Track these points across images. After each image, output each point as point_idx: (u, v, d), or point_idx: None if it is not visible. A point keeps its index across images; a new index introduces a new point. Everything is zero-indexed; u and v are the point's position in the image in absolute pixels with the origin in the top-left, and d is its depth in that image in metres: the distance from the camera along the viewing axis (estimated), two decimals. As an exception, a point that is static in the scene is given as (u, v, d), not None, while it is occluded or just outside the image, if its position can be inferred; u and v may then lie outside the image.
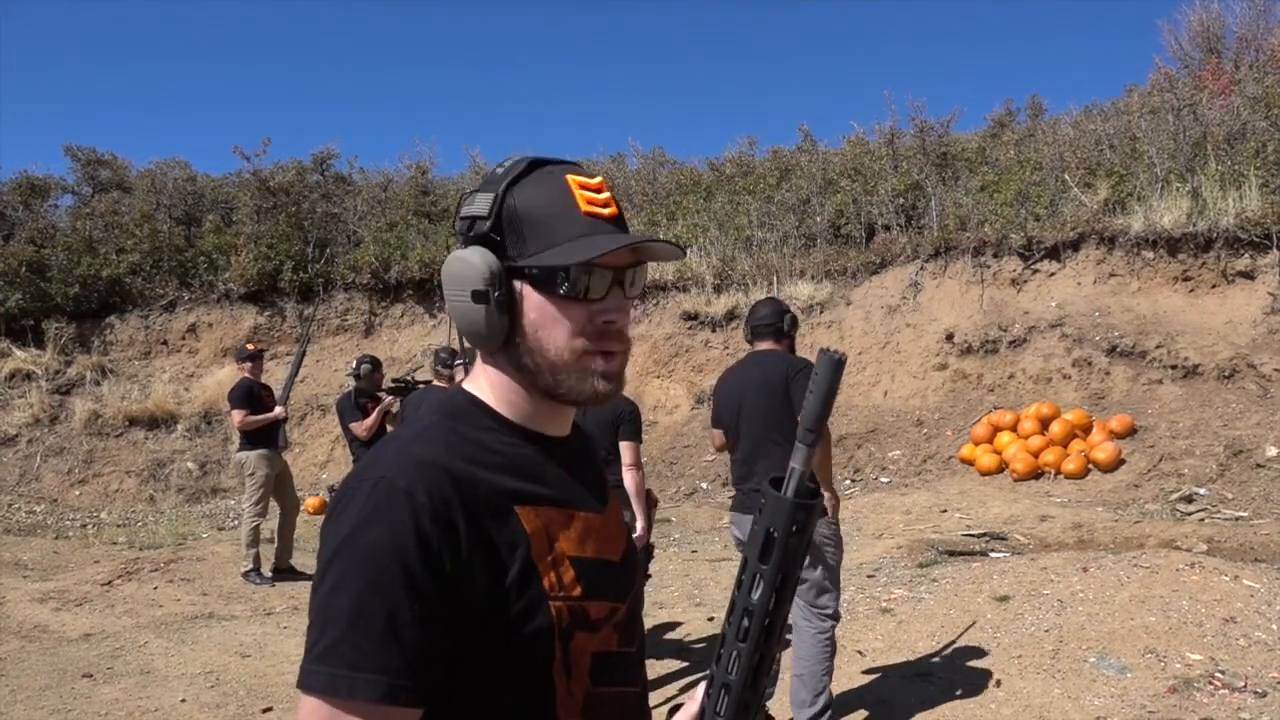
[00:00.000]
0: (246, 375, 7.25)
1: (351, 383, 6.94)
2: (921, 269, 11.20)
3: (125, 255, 13.39)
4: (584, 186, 1.03)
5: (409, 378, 7.34)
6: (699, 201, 13.85)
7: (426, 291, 12.86)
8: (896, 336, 10.86)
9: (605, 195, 1.04)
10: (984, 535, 7.02)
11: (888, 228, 11.90)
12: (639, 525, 4.12)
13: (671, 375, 11.57)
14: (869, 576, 6.03)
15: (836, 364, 0.88)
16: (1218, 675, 4.01)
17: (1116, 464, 8.25)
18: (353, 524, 0.93)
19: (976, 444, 9.00)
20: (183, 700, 4.59)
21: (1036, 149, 12.82)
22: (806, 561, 3.60)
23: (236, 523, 8.96)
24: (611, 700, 1.05)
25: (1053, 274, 10.52)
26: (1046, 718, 3.82)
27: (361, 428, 6.58)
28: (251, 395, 7.12)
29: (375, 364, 6.99)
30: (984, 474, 8.71)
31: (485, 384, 1.08)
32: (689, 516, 8.92)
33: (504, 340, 1.04)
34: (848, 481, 9.23)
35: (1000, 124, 16.00)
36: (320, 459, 11.55)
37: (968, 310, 10.63)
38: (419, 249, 13.04)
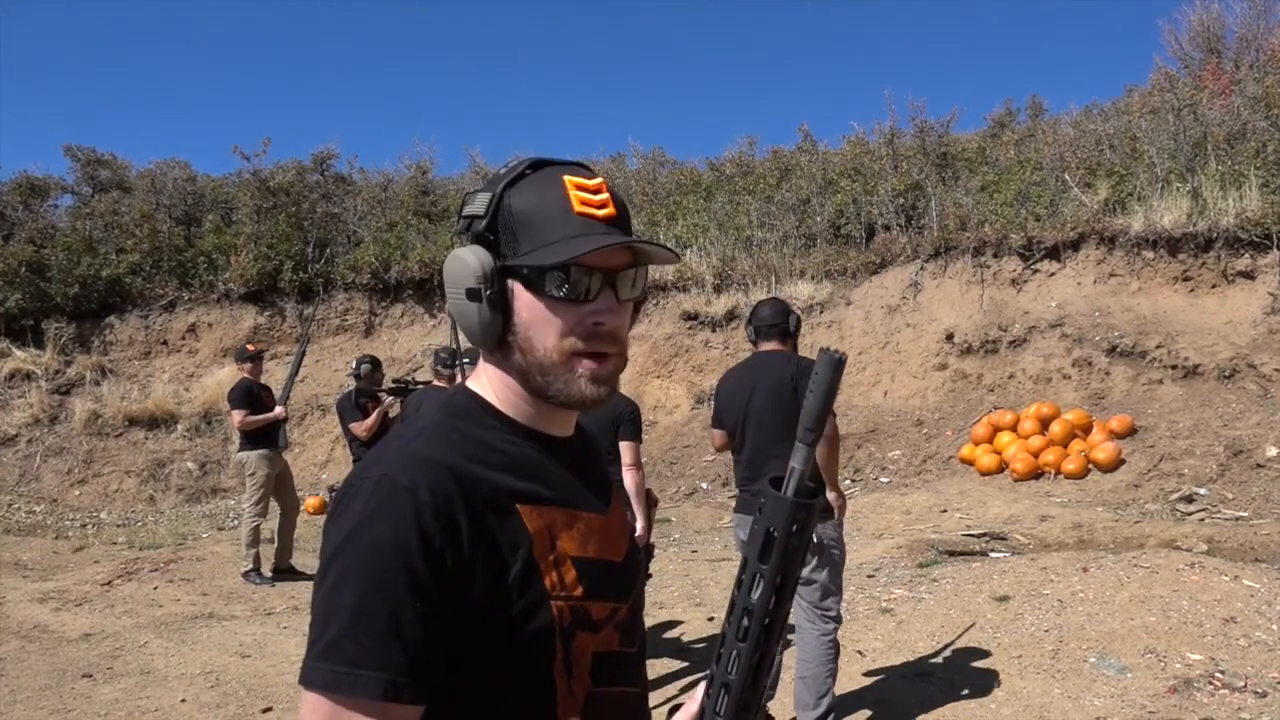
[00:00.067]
0: (246, 376, 7.25)
1: (352, 383, 6.94)
2: (921, 269, 11.20)
3: (125, 255, 13.38)
4: (580, 187, 1.03)
5: (409, 379, 7.35)
6: (699, 201, 13.85)
7: (426, 291, 12.86)
8: (896, 336, 10.86)
9: (603, 197, 1.03)
10: (984, 535, 7.02)
11: (888, 228, 11.91)
12: (639, 525, 4.12)
13: (671, 375, 11.57)
14: (869, 576, 6.03)
15: (837, 364, 0.88)
16: (1218, 675, 4.01)
17: (1116, 464, 8.25)
18: (355, 521, 0.93)
19: (976, 444, 9.00)
20: (183, 700, 4.59)
21: (1036, 149, 12.82)
22: (813, 563, 3.59)
23: (236, 523, 8.96)
24: (612, 700, 1.05)
25: (1053, 274, 10.52)
26: (1046, 718, 3.82)
27: (361, 428, 6.58)
28: (251, 395, 7.12)
29: (375, 364, 6.99)
30: (984, 474, 8.71)
31: (487, 383, 1.09)
32: (689, 516, 8.92)
33: (499, 339, 1.04)
34: (848, 481, 9.23)
35: (1000, 124, 16.00)
36: (320, 459, 11.56)
37: (968, 310, 10.63)
38: (419, 249, 13.04)
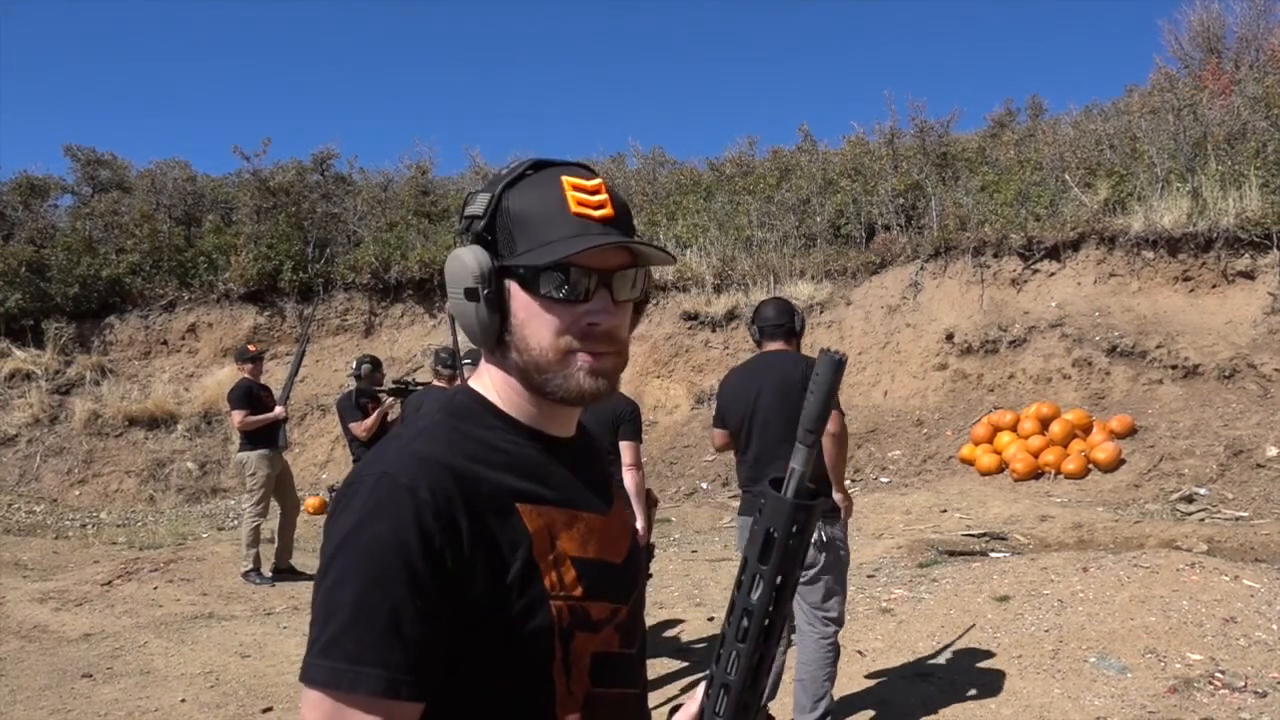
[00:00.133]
0: (246, 376, 7.25)
1: (352, 383, 6.94)
2: (921, 269, 11.20)
3: (125, 255, 13.38)
4: (578, 188, 1.03)
5: (409, 380, 7.35)
6: (699, 201, 13.85)
7: (426, 291, 12.86)
8: (896, 336, 10.86)
9: (600, 197, 1.03)
10: (984, 535, 7.02)
11: (888, 228, 11.90)
12: (639, 525, 4.12)
13: (671, 375, 11.57)
14: (869, 576, 6.03)
15: (837, 364, 0.88)
16: (1218, 675, 4.01)
17: (1116, 464, 8.25)
18: (356, 519, 0.93)
19: (976, 444, 9.00)
20: (183, 700, 4.59)
21: (1036, 149, 12.82)
22: (820, 563, 3.57)
23: (236, 523, 8.96)
24: (611, 701, 1.05)
25: (1053, 274, 10.52)
26: (1046, 718, 3.82)
27: (361, 428, 6.58)
28: (251, 395, 7.12)
29: (376, 364, 6.99)
30: (984, 474, 8.71)
31: (489, 383, 1.09)
32: (689, 516, 8.92)
33: (497, 339, 1.05)
34: (848, 481, 9.21)
35: (1000, 124, 16.00)
36: (320, 459, 11.56)
37: (968, 310, 10.63)
38: (419, 249, 13.04)
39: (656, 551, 5.58)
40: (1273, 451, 7.81)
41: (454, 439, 1.02)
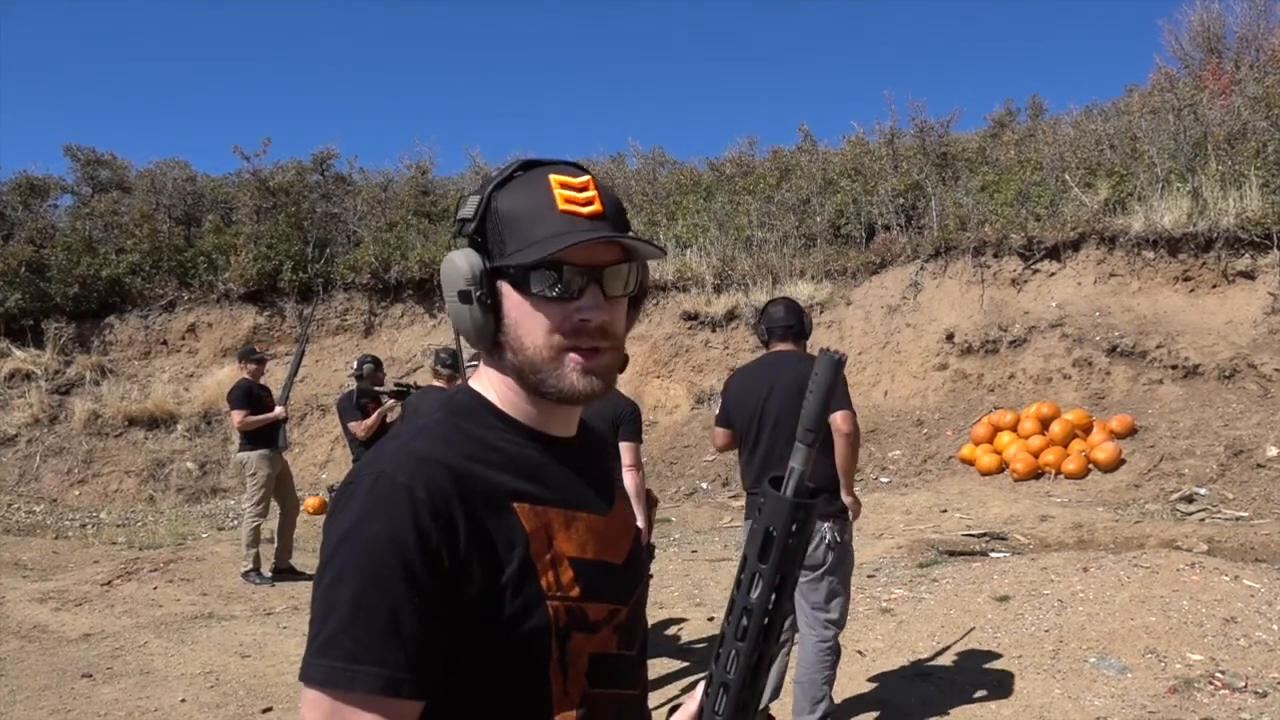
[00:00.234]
0: (246, 376, 7.25)
1: (353, 383, 6.94)
2: (921, 269, 11.20)
3: (125, 255, 13.38)
4: (566, 185, 1.03)
5: (411, 383, 7.34)
6: (699, 201, 13.85)
7: (426, 291, 12.86)
8: (896, 336, 10.86)
9: (588, 194, 1.03)
10: (984, 535, 7.02)
11: (888, 228, 11.90)
12: (639, 525, 4.11)
13: (671, 375, 11.57)
14: (869, 576, 6.03)
15: (835, 364, 0.88)
16: (1218, 675, 4.01)
17: (1117, 464, 8.25)
18: (354, 518, 0.93)
19: (976, 444, 9.00)
20: (183, 700, 4.59)
21: (1036, 149, 12.82)
22: (827, 563, 3.56)
23: (236, 523, 8.96)
24: (609, 702, 1.05)
25: (1053, 274, 10.52)
26: (1046, 718, 3.82)
27: (360, 428, 6.57)
28: (251, 395, 7.12)
29: (377, 364, 6.99)
30: (984, 474, 8.71)
31: (488, 384, 1.09)
32: (689, 516, 8.92)
33: (493, 340, 1.05)
34: (848, 481, 9.22)
35: (1000, 124, 16.00)
36: (320, 459, 11.56)
37: (968, 310, 10.63)
38: (419, 249, 13.04)
39: (656, 551, 5.58)
40: (1273, 451, 7.81)
41: (452, 438, 1.02)
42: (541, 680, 0.98)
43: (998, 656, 4.45)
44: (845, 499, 3.61)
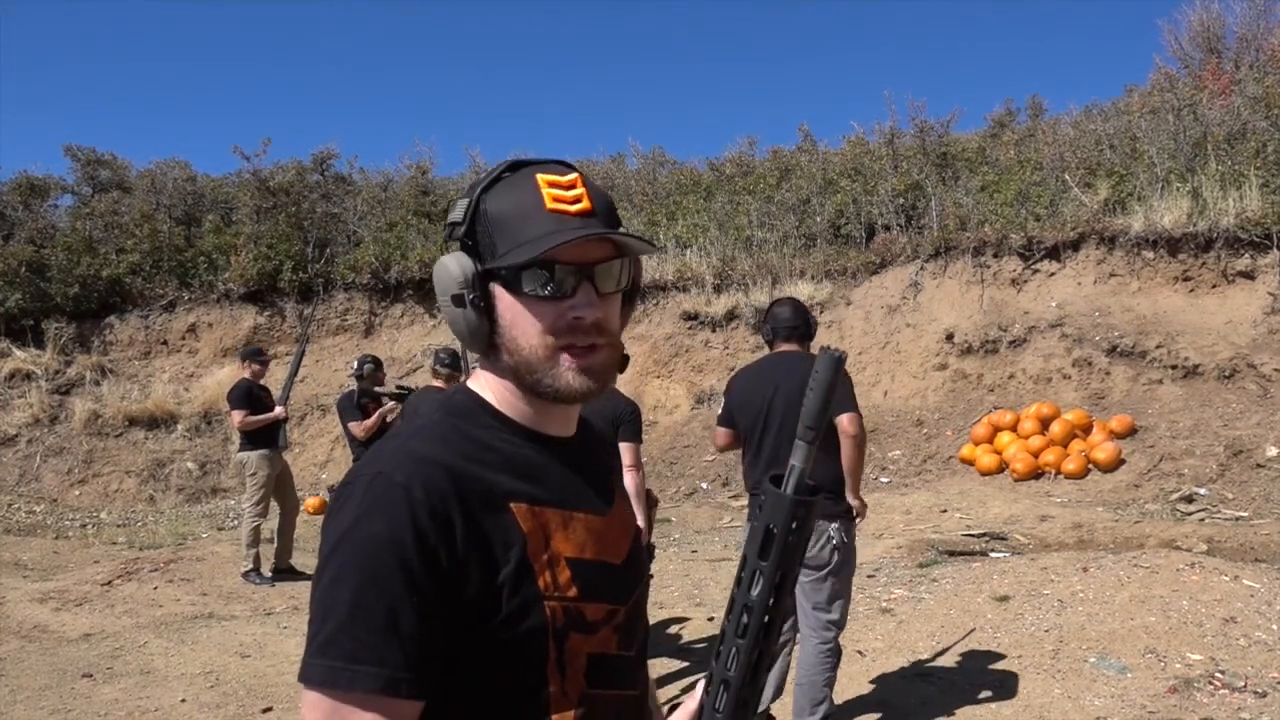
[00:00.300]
0: (247, 376, 7.25)
1: (353, 383, 6.94)
2: (921, 269, 11.20)
3: (125, 255, 13.38)
4: (553, 184, 1.03)
5: (411, 386, 7.34)
6: (699, 201, 13.85)
7: (426, 291, 12.85)
8: (896, 336, 10.86)
9: (576, 192, 1.03)
10: (984, 535, 7.02)
11: (888, 228, 11.90)
12: (639, 525, 4.11)
13: (671, 375, 11.57)
14: (869, 576, 6.03)
15: (836, 362, 0.89)
16: (1218, 675, 4.01)
17: (1116, 464, 8.24)
18: (352, 518, 0.94)
19: (976, 444, 9.00)
20: (183, 700, 4.59)
21: (1036, 149, 12.82)
22: (831, 565, 3.55)
23: (236, 523, 8.96)
24: (608, 702, 1.04)
25: (1053, 274, 10.52)
26: (1046, 718, 3.82)
27: (360, 428, 6.58)
28: (251, 395, 7.12)
29: (377, 364, 7.00)
30: (984, 474, 8.71)
31: (485, 384, 1.09)
32: (689, 516, 8.92)
33: (489, 342, 1.05)
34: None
35: (1000, 124, 16.00)
36: (320, 459, 11.55)
37: (968, 310, 10.63)
38: (419, 249, 13.03)
39: (656, 551, 5.58)
40: (1273, 451, 7.81)
41: (450, 438, 1.02)
42: (540, 680, 0.98)
43: (998, 656, 4.45)
44: (851, 501, 3.61)
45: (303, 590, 6.69)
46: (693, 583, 6.46)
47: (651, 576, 5.00)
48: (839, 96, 54.96)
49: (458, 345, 5.36)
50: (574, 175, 1.05)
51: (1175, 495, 7.60)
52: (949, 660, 4.51)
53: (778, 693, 3.74)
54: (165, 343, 13.08)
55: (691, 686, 0.98)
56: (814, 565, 3.55)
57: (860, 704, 4.12)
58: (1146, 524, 6.93)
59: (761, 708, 3.70)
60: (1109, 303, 9.97)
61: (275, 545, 7.40)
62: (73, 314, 12.79)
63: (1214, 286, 9.70)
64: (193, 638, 5.61)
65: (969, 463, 8.93)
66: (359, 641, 0.89)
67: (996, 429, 9.01)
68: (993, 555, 6.46)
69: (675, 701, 1.25)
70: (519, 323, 1.02)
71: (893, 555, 6.57)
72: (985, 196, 11.53)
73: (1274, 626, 4.43)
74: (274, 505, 7.40)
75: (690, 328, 11.83)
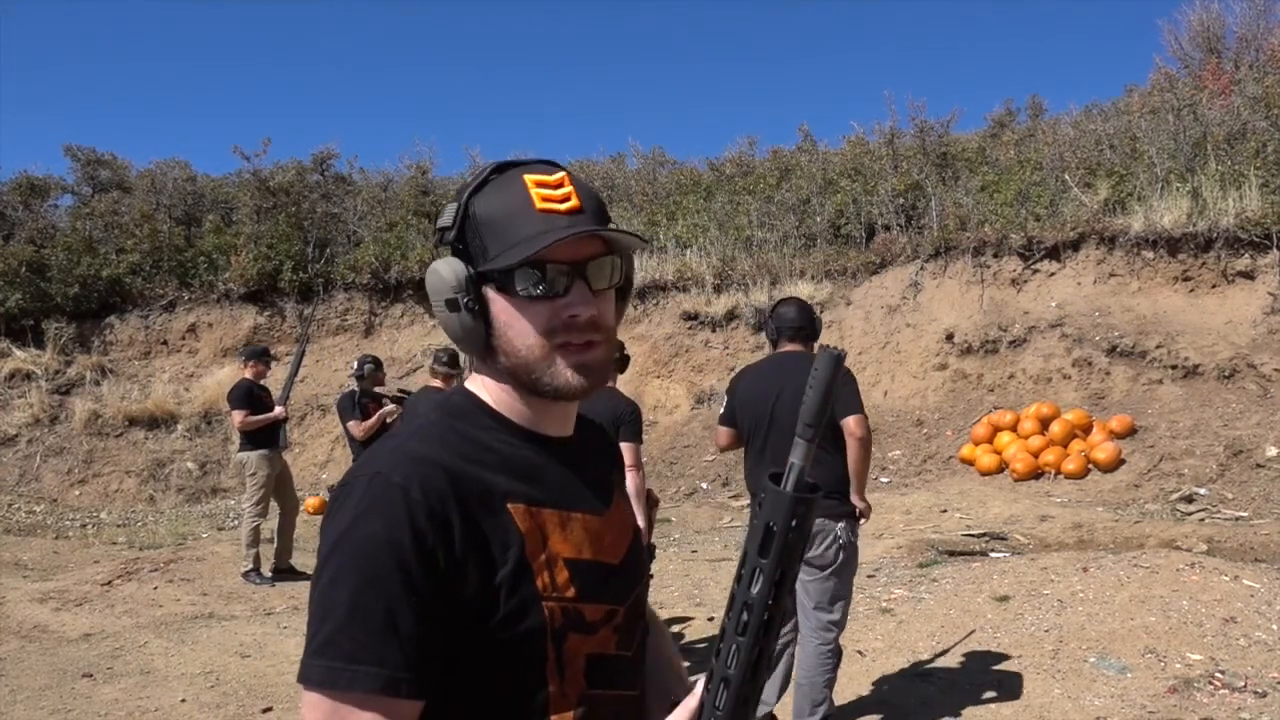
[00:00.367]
0: (248, 376, 7.25)
1: (353, 383, 6.94)
2: (921, 269, 11.20)
3: (125, 255, 13.38)
4: (541, 184, 1.03)
5: (413, 391, 7.34)
6: (699, 201, 13.86)
7: (426, 292, 12.85)
8: (896, 336, 10.86)
9: (564, 191, 1.03)
10: (984, 535, 7.02)
11: (888, 228, 11.91)
12: (639, 526, 4.10)
13: (671, 375, 11.57)
14: (869, 576, 6.03)
15: (835, 360, 0.88)
16: (1218, 675, 4.01)
17: (1116, 464, 8.24)
18: (350, 519, 0.93)
19: (976, 444, 9.00)
20: (183, 700, 4.59)
21: (1036, 149, 12.82)
22: (835, 565, 3.54)
23: (236, 523, 8.96)
24: (607, 703, 1.04)
25: (1053, 274, 10.52)
26: (1046, 718, 3.82)
27: (359, 429, 6.58)
28: (251, 395, 7.12)
29: (378, 364, 7.00)
30: (984, 474, 8.71)
31: (482, 385, 1.09)
32: (689, 516, 8.92)
33: (485, 344, 1.05)
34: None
35: (1000, 124, 16.01)
36: (320, 459, 11.55)
37: (968, 310, 10.63)
38: (419, 249, 13.04)
39: (657, 551, 5.58)
40: (1273, 451, 7.81)
41: (448, 438, 1.02)
42: (539, 681, 0.98)
43: (998, 656, 4.44)
44: (855, 502, 3.60)
45: (302, 590, 6.68)
46: (693, 583, 6.46)
47: (651, 576, 5.00)
48: (839, 96, 55.01)
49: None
50: (561, 174, 1.05)
51: (1175, 495, 7.60)
52: (949, 660, 4.51)
53: (782, 691, 3.74)
54: (165, 343, 13.09)
55: (692, 685, 0.98)
56: (819, 564, 3.54)
57: (860, 704, 4.12)
58: (1146, 524, 6.93)
59: (767, 708, 3.70)
60: (1109, 303, 9.97)
61: (275, 545, 7.40)
62: (73, 314, 12.79)
63: (1214, 286, 9.70)
64: (193, 638, 5.61)
65: (969, 463, 8.93)
66: (358, 642, 0.89)
67: (996, 429, 9.01)
68: (993, 555, 6.46)
69: (675, 700, 1.24)
70: (514, 324, 1.02)
71: (893, 555, 6.57)
72: (985, 196, 11.53)
73: (1274, 626, 4.43)
74: (274, 505, 7.41)
75: (690, 328, 11.83)
